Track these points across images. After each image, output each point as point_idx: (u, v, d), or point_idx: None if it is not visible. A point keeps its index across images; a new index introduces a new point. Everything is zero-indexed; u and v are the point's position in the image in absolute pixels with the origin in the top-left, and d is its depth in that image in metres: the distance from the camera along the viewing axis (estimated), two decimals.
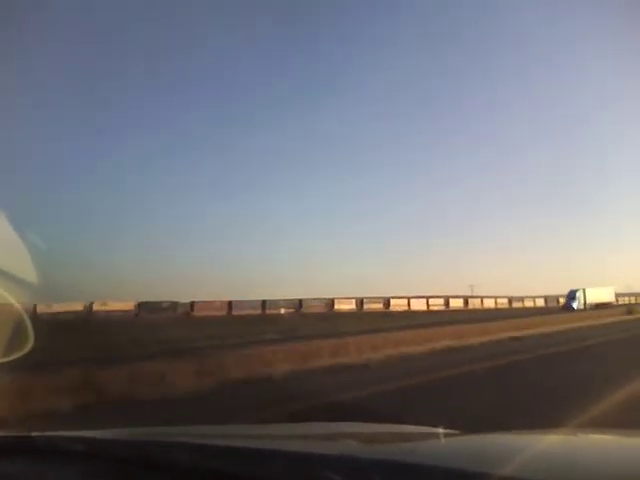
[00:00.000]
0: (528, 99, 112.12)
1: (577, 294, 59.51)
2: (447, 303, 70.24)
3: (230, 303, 53.27)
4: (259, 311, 53.81)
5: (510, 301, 72.40)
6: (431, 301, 68.81)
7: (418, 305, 66.53)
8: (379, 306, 64.53)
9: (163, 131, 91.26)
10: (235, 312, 51.96)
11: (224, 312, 51.49)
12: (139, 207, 79.50)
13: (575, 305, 57.53)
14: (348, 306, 62.09)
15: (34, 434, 1.71)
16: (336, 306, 61.38)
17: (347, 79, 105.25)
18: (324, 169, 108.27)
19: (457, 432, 1.62)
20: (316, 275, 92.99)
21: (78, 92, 75.20)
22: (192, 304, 50.77)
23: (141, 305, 47.55)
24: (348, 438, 1.72)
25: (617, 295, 73.88)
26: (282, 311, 55.18)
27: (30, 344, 3.76)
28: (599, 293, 61.70)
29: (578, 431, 2.26)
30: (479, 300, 71.64)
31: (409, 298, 68.15)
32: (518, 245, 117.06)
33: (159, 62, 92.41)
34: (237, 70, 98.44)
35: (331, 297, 62.53)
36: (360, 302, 64.39)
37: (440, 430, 1.55)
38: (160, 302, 48.62)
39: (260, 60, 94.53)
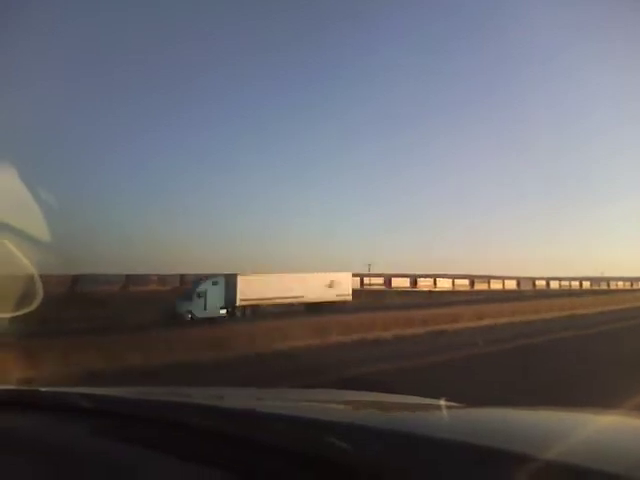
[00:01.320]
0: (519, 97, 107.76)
1: (202, 287, 28.23)
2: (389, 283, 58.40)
3: (75, 278, 41.39)
4: (116, 288, 42.12)
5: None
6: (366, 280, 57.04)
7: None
8: None
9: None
10: (81, 289, 40.25)
11: (63, 289, 39.57)
12: None
13: (192, 310, 27.04)
14: None
15: (42, 389, 1.72)
16: None
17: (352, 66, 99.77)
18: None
19: (461, 405, 1.61)
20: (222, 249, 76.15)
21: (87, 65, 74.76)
22: None
23: None
24: (351, 405, 1.76)
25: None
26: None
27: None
28: (291, 284, 29.89)
29: (582, 409, 1.90)
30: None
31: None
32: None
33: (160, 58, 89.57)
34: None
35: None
36: None
37: (443, 402, 1.52)
38: None
39: (260, 56, 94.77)
